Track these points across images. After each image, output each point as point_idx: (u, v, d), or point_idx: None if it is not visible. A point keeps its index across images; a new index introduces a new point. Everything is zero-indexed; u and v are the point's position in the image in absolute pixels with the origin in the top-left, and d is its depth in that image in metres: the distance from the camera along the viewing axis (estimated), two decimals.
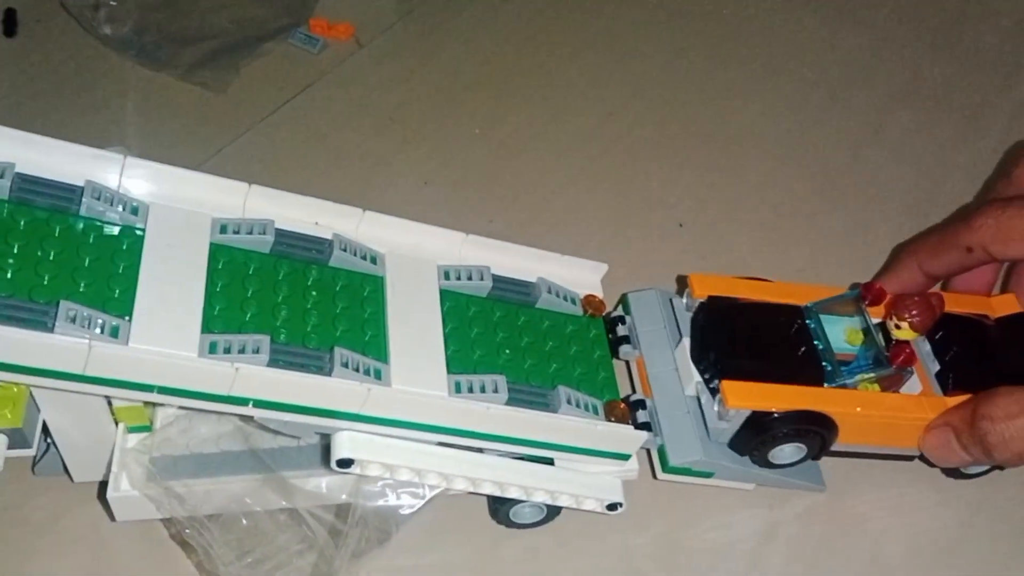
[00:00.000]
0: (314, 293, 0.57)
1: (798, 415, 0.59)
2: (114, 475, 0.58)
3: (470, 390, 0.56)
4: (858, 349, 0.63)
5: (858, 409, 0.60)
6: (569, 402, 0.58)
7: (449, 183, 0.85)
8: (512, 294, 0.63)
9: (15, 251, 0.51)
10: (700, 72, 0.97)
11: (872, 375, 0.61)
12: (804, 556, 0.64)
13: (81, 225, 0.53)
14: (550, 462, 0.60)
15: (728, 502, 0.66)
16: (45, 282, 0.50)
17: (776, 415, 0.59)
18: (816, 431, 0.60)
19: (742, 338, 0.62)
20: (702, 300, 0.64)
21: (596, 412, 0.59)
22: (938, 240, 0.68)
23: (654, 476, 0.63)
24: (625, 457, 0.60)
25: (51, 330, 0.48)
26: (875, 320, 0.63)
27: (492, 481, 0.58)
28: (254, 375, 0.51)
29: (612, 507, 0.61)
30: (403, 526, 0.58)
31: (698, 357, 0.62)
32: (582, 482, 0.60)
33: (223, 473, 0.58)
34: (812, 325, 0.63)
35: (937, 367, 0.65)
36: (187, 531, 0.55)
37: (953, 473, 0.67)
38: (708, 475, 0.62)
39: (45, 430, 0.58)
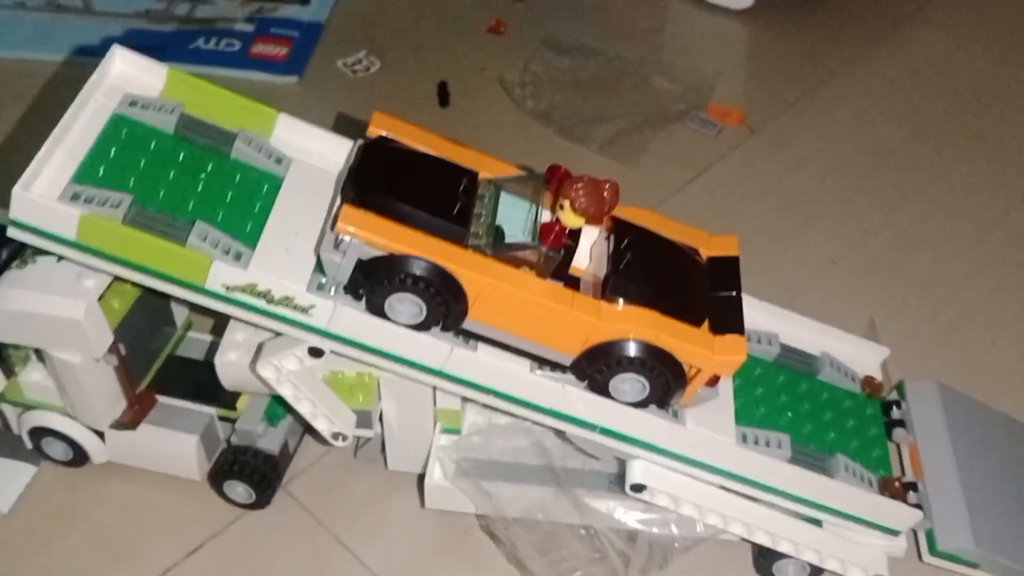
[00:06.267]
0: None
1: (418, 263, 0.54)
2: (430, 466, 0.66)
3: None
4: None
5: (489, 279, 0.54)
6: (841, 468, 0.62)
7: (857, 265, 0.90)
8: None
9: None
10: None
11: (525, 254, 0.55)
12: None
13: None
14: (818, 525, 0.64)
15: None
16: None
17: (387, 257, 0.54)
18: (438, 290, 0.54)
19: (393, 178, 0.56)
20: (373, 138, 0.59)
21: (871, 485, 0.63)
22: None
23: (919, 558, 0.65)
24: (894, 533, 0.63)
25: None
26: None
27: (767, 531, 0.62)
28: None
29: None
30: (678, 557, 0.63)
31: (344, 190, 0.57)
32: (850, 550, 0.63)
33: (523, 481, 0.65)
34: (484, 196, 0.58)
35: (606, 271, 0.58)
36: (496, 524, 0.62)
37: None
38: (975, 565, 0.64)
39: (380, 419, 0.67)
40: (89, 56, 1.07)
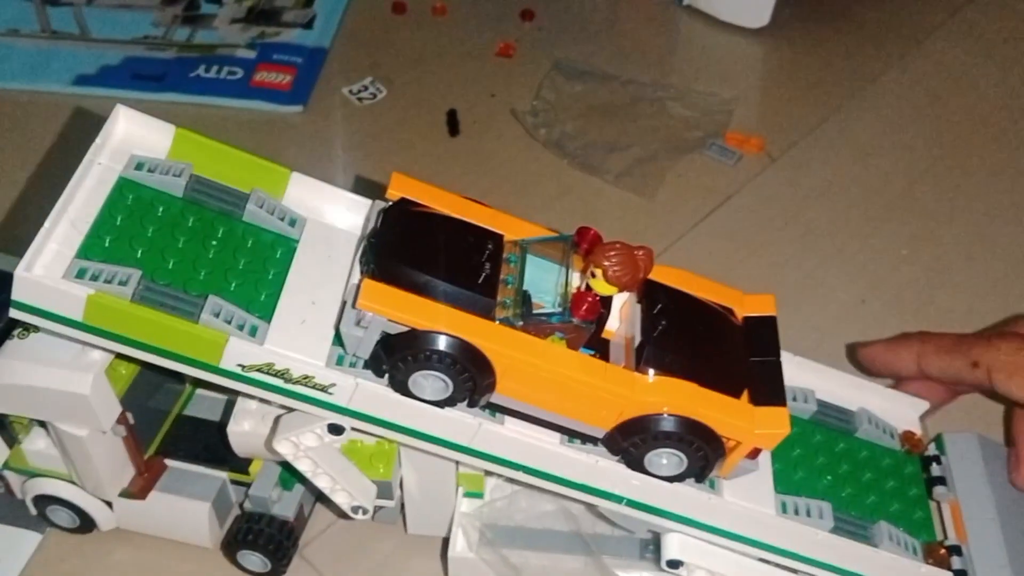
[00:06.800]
0: None
1: (443, 339, 0.51)
2: (453, 536, 0.64)
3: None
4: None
5: (518, 354, 0.52)
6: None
7: (886, 303, 0.87)
8: None
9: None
10: None
11: (555, 324, 0.53)
12: None
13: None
14: None
15: None
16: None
17: (411, 332, 0.51)
18: (464, 367, 0.52)
19: (415, 246, 0.53)
20: (394, 201, 0.57)
21: (915, 552, 0.60)
22: (951, 342, 0.68)
23: None
24: None
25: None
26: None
27: None
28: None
29: None
30: None
31: (364, 259, 0.55)
32: None
33: (551, 550, 0.63)
34: (512, 260, 0.55)
35: (639, 340, 0.55)
36: None
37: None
38: None
39: (400, 484, 0.65)
40: (87, 86, 1.04)
